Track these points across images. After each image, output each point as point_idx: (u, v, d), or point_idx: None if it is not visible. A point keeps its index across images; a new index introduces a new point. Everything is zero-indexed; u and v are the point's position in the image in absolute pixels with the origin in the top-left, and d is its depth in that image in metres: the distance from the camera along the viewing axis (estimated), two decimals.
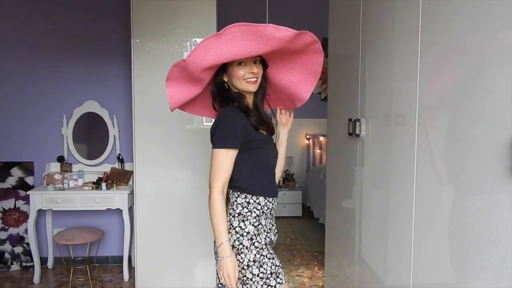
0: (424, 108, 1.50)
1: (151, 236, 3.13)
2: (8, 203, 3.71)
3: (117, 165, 3.71)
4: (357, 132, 2.11)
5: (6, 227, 3.71)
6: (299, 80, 1.73)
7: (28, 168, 3.73)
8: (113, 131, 3.77)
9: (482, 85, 1.20)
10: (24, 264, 3.74)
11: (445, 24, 1.37)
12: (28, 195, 3.43)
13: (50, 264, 3.77)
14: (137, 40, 3.01)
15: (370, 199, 2.06)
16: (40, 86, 3.74)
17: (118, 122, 3.77)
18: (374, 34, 1.97)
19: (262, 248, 1.63)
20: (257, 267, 1.60)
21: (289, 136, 1.91)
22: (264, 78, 1.72)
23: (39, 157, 3.73)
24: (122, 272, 3.60)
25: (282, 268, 1.69)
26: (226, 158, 1.59)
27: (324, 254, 2.98)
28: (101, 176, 3.57)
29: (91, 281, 3.35)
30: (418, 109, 1.53)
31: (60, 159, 3.69)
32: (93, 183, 3.53)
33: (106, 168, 3.71)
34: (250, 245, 1.61)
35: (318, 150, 5.77)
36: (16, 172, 3.72)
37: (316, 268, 3.77)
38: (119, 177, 3.59)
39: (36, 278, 3.47)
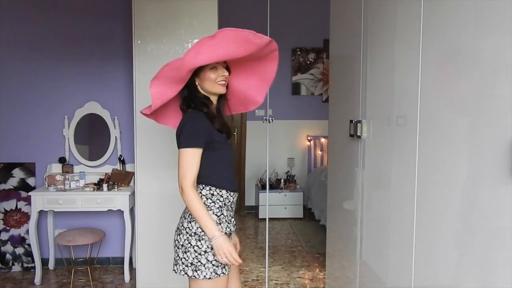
0: (425, 109, 1.50)
1: (152, 237, 3.13)
2: (10, 204, 3.71)
3: (118, 166, 3.71)
4: (358, 134, 2.11)
5: (8, 228, 3.72)
6: (255, 85, 1.95)
7: (29, 169, 3.74)
8: (114, 132, 3.77)
9: (483, 85, 1.20)
10: (25, 265, 3.74)
11: (447, 25, 1.37)
12: (30, 196, 3.43)
13: (51, 265, 3.78)
14: (139, 42, 3.02)
15: (371, 201, 2.05)
16: (42, 87, 3.74)
17: (119, 123, 3.77)
18: (376, 35, 1.97)
19: (220, 237, 1.70)
20: (212, 254, 1.72)
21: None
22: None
23: (41, 158, 3.73)
24: (123, 273, 3.60)
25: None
26: (194, 157, 1.72)
27: (325, 256, 2.97)
28: (103, 177, 3.57)
29: (92, 282, 3.35)
30: (420, 110, 1.53)
31: (62, 160, 3.70)
32: (95, 184, 3.53)
33: (108, 169, 3.71)
34: None
35: (319, 152, 5.76)
36: (18, 173, 3.72)
37: (317, 270, 3.76)
38: (121, 178, 3.59)
39: (37, 279, 3.47)
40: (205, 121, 1.78)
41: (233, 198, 1.87)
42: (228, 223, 1.82)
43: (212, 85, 1.82)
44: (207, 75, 1.81)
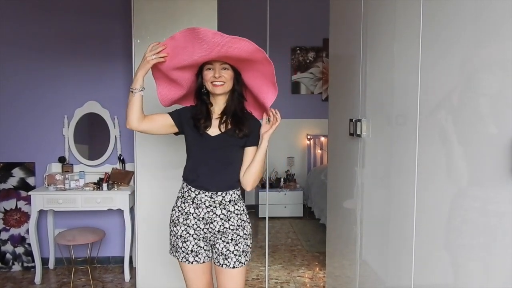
0: (425, 109, 1.50)
1: (152, 236, 3.13)
2: (10, 204, 3.71)
3: (118, 166, 3.71)
4: (358, 132, 2.11)
5: (8, 228, 3.72)
6: (262, 90, 1.92)
7: (29, 169, 3.73)
8: (114, 131, 3.77)
9: (483, 84, 1.20)
10: (25, 264, 3.74)
11: (446, 24, 1.37)
12: (30, 195, 3.43)
13: (51, 264, 3.78)
14: (138, 41, 3.02)
15: (371, 200, 2.06)
16: (41, 86, 3.74)
17: (119, 122, 3.77)
18: (375, 34, 1.97)
19: (171, 222, 2.02)
20: (169, 232, 2.04)
21: (268, 144, 1.97)
22: (239, 84, 1.93)
23: (41, 157, 3.73)
24: (123, 272, 3.60)
25: (188, 252, 1.96)
26: (159, 111, 2.00)
27: (325, 255, 2.97)
28: (102, 176, 3.57)
29: (92, 282, 3.35)
30: (419, 109, 1.53)
31: (61, 159, 3.70)
32: (94, 183, 3.53)
33: (107, 168, 3.71)
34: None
35: (319, 151, 5.76)
36: (18, 173, 3.72)
37: (317, 269, 3.77)
38: (120, 178, 3.59)
39: (38, 279, 3.48)
40: (187, 111, 1.98)
41: (195, 194, 1.93)
42: (186, 219, 1.95)
43: (208, 84, 1.90)
44: (204, 74, 1.90)
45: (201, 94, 1.96)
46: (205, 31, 1.70)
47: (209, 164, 1.92)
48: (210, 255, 1.99)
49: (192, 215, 1.94)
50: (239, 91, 1.94)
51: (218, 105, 1.96)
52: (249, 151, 1.97)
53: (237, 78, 1.92)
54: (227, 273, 1.93)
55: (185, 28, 1.75)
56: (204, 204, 1.92)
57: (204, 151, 1.93)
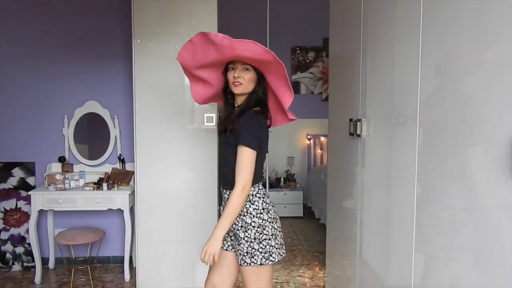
0: (425, 109, 1.50)
1: (152, 236, 3.14)
2: (10, 204, 3.71)
3: (118, 166, 3.72)
4: (358, 132, 2.11)
5: (8, 228, 3.72)
6: (279, 91, 1.96)
7: (29, 169, 3.73)
8: (114, 131, 3.77)
9: (483, 84, 1.20)
10: (25, 264, 3.74)
11: (446, 24, 1.37)
12: (30, 195, 3.43)
13: (51, 264, 3.78)
14: (138, 41, 3.02)
15: (371, 199, 2.06)
16: (41, 86, 3.74)
17: (119, 122, 3.77)
18: (375, 34, 1.97)
19: None
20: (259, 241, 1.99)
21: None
22: (260, 86, 1.94)
23: (41, 157, 3.73)
24: (123, 272, 3.60)
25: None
26: None
27: (325, 254, 2.98)
28: (102, 176, 3.57)
29: (92, 282, 3.35)
30: (419, 109, 1.53)
31: (61, 159, 3.70)
32: (94, 183, 3.53)
33: (107, 168, 3.71)
34: None
35: (319, 151, 5.76)
36: (18, 173, 3.72)
37: (317, 268, 3.77)
38: (120, 178, 3.59)
39: (38, 279, 3.48)
40: None
41: (222, 192, 2.04)
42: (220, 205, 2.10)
43: (230, 84, 1.94)
44: (227, 73, 1.95)
45: (227, 93, 2.02)
46: (215, 34, 1.77)
47: (219, 163, 2.10)
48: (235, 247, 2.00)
49: (222, 205, 2.07)
50: (258, 93, 1.94)
51: (238, 105, 1.99)
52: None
53: (259, 80, 1.93)
54: (240, 268, 1.98)
55: (199, 32, 1.83)
56: (223, 197, 2.06)
57: (219, 152, 2.16)
